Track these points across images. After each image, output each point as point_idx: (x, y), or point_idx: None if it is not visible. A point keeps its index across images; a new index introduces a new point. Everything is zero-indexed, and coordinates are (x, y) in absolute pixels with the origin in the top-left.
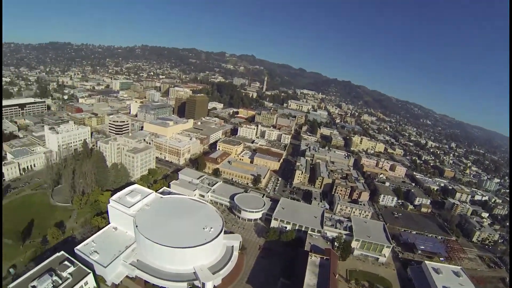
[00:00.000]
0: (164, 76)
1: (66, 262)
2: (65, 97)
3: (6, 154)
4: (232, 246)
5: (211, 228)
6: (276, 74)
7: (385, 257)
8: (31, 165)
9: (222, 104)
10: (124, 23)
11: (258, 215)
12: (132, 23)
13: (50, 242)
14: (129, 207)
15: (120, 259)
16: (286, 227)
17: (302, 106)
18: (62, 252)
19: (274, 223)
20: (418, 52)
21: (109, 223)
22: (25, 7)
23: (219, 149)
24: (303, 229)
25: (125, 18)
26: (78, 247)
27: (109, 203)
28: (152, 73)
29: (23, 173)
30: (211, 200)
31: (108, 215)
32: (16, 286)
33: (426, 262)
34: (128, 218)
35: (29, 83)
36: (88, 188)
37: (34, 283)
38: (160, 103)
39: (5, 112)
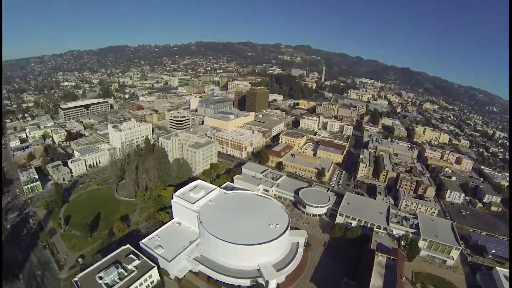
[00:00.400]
0: (221, 71)
1: (131, 256)
2: (126, 96)
3: (73, 152)
4: (297, 243)
5: (277, 224)
6: (333, 63)
7: (453, 259)
8: (96, 162)
9: (282, 96)
10: (177, 22)
11: (323, 210)
12: (185, 21)
13: (116, 234)
14: (193, 203)
15: (184, 254)
16: (351, 223)
17: (362, 96)
18: (128, 245)
19: (339, 219)
20: (483, 32)
21: (172, 218)
22: (85, 16)
23: (281, 142)
24: (368, 225)
25: (178, 17)
26: (143, 241)
27: (172, 198)
28: (209, 68)
29: (89, 169)
30: (275, 195)
31: (171, 210)
32: (84, 276)
33: (497, 268)
34: (192, 214)
35: (92, 85)
36: (151, 183)
37: (101, 274)
38: (220, 97)
39: (71, 113)
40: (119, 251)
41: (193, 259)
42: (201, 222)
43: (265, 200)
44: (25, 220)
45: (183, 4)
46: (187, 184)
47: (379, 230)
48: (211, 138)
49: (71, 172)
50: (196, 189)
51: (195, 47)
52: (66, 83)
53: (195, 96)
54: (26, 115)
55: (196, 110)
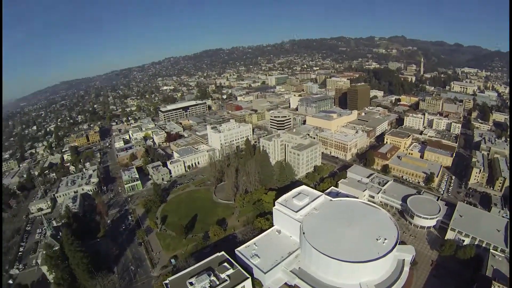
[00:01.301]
0: (317, 68)
1: (225, 264)
2: (224, 96)
3: (173, 153)
4: (403, 260)
5: (385, 239)
6: (430, 53)
7: None
8: (195, 163)
9: (381, 92)
10: (267, 23)
11: (432, 222)
12: (275, 21)
13: (211, 238)
14: (296, 211)
15: (281, 266)
16: (463, 241)
17: (466, 88)
18: (223, 252)
19: (450, 234)
20: None
21: (272, 225)
22: (179, 25)
23: (386, 142)
24: (483, 245)
25: (268, 19)
26: (239, 248)
27: (273, 204)
28: (305, 65)
29: (188, 170)
30: (380, 202)
31: (272, 216)
32: (175, 280)
33: None
34: (294, 223)
35: (190, 88)
36: (251, 186)
37: (192, 280)
38: (320, 95)
39: (171, 115)
40: (213, 258)
41: (290, 271)
42: (303, 233)
43: (373, 210)
44: (124, 217)
45: (271, 5)
46: (289, 188)
47: (496, 252)
48: (314, 138)
49: (170, 173)
50: (300, 196)
51: (288, 46)
52: (165, 87)
53: (294, 95)
54: (129, 118)
55: (296, 109)
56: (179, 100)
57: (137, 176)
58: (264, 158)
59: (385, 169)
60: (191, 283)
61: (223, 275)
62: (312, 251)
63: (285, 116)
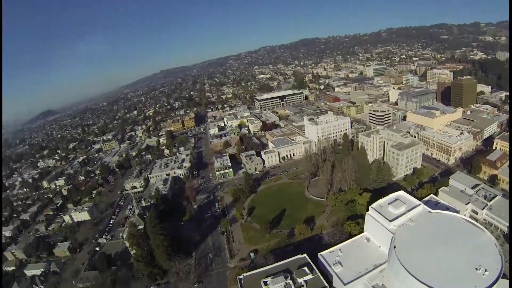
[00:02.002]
0: (417, 58)
1: (305, 268)
2: (321, 87)
3: (267, 142)
4: None
5: (486, 270)
6: None
7: None
8: (290, 154)
9: (489, 87)
10: (364, 11)
11: None
12: (372, 10)
13: (296, 237)
14: (390, 221)
15: (364, 279)
16: None
17: None
18: (305, 255)
19: None
20: None
21: (362, 231)
22: (276, 15)
23: (496, 147)
24: None
25: (365, 6)
26: (322, 252)
27: (366, 207)
28: (404, 56)
29: (282, 161)
30: (484, 220)
31: (363, 221)
32: (249, 277)
33: None
34: (386, 233)
35: (286, 77)
36: (345, 185)
37: (268, 280)
38: (421, 89)
39: (267, 104)
40: (293, 260)
41: (372, 286)
42: (394, 247)
43: (476, 230)
44: (212, 204)
45: None
46: (385, 190)
47: None
48: (415, 137)
49: (264, 163)
50: (396, 203)
51: (386, 34)
52: (261, 76)
53: (394, 88)
54: (225, 105)
55: (395, 103)
56: (275, 89)
57: (229, 164)
58: (362, 155)
59: (493, 180)
60: (265, 283)
61: (300, 280)
62: (401, 269)
63: (385, 111)
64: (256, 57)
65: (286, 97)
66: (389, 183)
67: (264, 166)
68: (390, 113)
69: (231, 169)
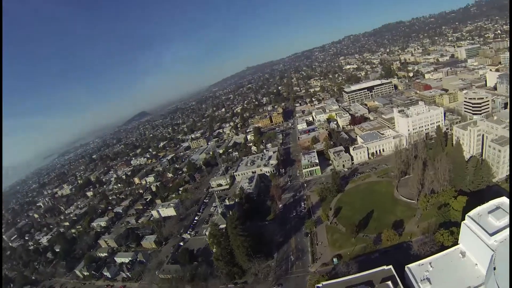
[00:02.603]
0: None
1: (389, 282)
2: (410, 74)
3: (356, 137)
4: None
5: None
6: None
7: None
8: (379, 150)
9: None
10: None
11: None
12: None
13: (382, 243)
14: (491, 235)
15: None
16: None
17: None
18: (391, 266)
19: None
20: None
21: (457, 242)
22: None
23: None
24: None
25: None
26: (410, 265)
27: (462, 214)
28: (498, 31)
29: (371, 158)
30: None
31: (458, 230)
32: (328, 286)
33: None
34: (485, 249)
35: (373, 66)
36: (438, 186)
37: None
38: None
39: (355, 95)
40: (378, 271)
41: None
42: (494, 268)
43: None
44: (297, 203)
45: None
46: (484, 193)
47: None
48: None
49: (352, 159)
50: (498, 212)
51: (475, 9)
52: (348, 66)
53: (491, 70)
54: (313, 99)
55: (494, 88)
56: (363, 79)
57: (317, 161)
58: (457, 151)
59: None
60: None
61: None
62: None
63: (482, 98)
64: (340, 47)
65: (375, 88)
66: (488, 185)
67: (352, 163)
68: (488, 100)
69: (318, 167)
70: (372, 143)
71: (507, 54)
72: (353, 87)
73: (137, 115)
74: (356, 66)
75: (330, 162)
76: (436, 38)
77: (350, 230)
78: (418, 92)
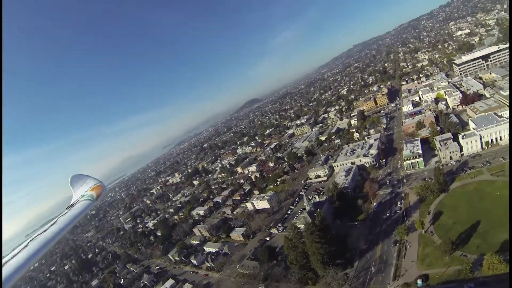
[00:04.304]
0: None
1: None
2: None
3: (468, 122)
4: None
5: None
6: None
7: None
8: (496, 138)
9: None
10: None
11: None
12: None
13: (483, 270)
14: None
15: None
16: None
17: None
18: None
19: None
20: None
21: None
22: None
23: None
24: None
25: None
26: None
27: None
28: None
29: (486, 148)
30: None
31: None
32: None
33: None
34: None
35: (489, 28)
36: None
37: None
38: None
39: (467, 68)
40: None
41: None
42: None
43: None
44: (393, 201)
45: None
46: None
47: None
48: None
49: (461, 150)
50: None
51: None
52: (459, 33)
53: None
54: (420, 75)
55: None
56: (476, 46)
57: (420, 151)
58: None
59: None
60: None
61: None
62: None
63: None
64: (450, 10)
65: (491, 56)
66: None
67: (462, 154)
68: None
69: (421, 159)
70: (487, 129)
71: None
72: (464, 58)
73: (248, 102)
74: (469, 31)
75: (436, 152)
76: None
77: (445, 246)
78: None
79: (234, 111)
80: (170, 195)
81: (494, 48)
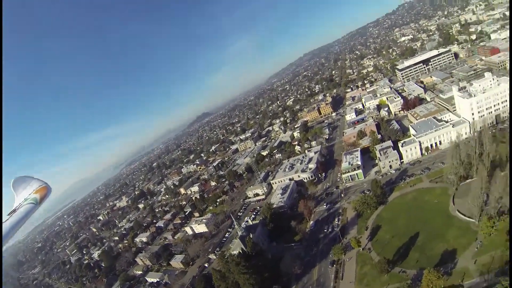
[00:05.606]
0: None
1: None
2: (473, 37)
3: (409, 127)
4: None
5: None
6: None
7: None
8: (436, 143)
9: None
10: None
11: None
12: None
13: (421, 286)
14: None
15: None
16: None
17: None
18: None
19: None
20: None
21: None
22: None
23: None
24: None
25: None
26: None
27: None
28: None
29: (426, 154)
30: None
31: None
32: None
33: None
34: None
35: (430, 33)
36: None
37: None
38: None
39: (409, 72)
40: None
41: None
42: None
43: None
44: (332, 218)
45: None
46: None
47: None
48: None
49: (401, 158)
50: None
51: None
52: (403, 38)
53: None
54: (365, 81)
55: None
56: (418, 51)
57: (359, 162)
58: None
59: None
60: None
61: None
62: None
63: None
64: (395, 18)
65: (431, 60)
66: None
67: (402, 162)
68: None
69: (360, 170)
70: (426, 135)
71: None
72: (407, 63)
73: (200, 116)
74: (412, 36)
75: (377, 162)
76: None
77: (381, 266)
78: (483, 58)
79: (185, 127)
80: (116, 221)
81: (435, 52)
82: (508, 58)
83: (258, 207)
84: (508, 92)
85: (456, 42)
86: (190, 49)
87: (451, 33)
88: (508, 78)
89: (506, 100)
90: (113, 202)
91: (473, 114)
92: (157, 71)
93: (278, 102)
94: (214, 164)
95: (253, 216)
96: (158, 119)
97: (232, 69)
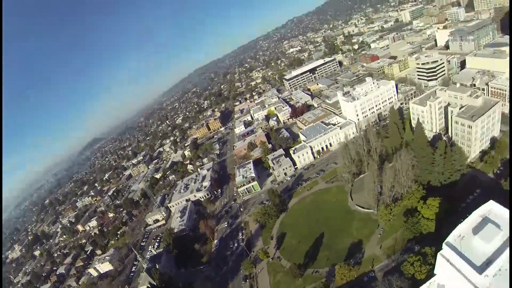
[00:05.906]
0: None
1: None
2: (355, 46)
3: (299, 134)
4: None
5: None
6: None
7: None
8: (326, 145)
9: None
10: None
11: None
12: None
13: (336, 281)
14: (481, 270)
15: None
16: None
17: None
18: None
19: None
20: None
21: (432, 273)
22: None
23: None
24: None
25: None
26: None
27: (437, 223)
28: None
29: (318, 157)
30: None
31: (433, 253)
32: None
33: None
34: None
35: (316, 44)
36: (401, 187)
37: None
38: (475, 22)
39: (297, 82)
40: None
41: None
42: None
43: None
44: (236, 233)
45: None
46: (458, 186)
47: None
48: (483, 91)
49: (294, 164)
50: (486, 230)
51: None
52: (291, 50)
53: (439, 28)
54: (253, 93)
55: (446, 47)
56: (306, 61)
57: (253, 174)
58: (419, 137)
59: None
60: None
61: None
62: None
63: (436, 61)
64: (284, 32)
65: (317, 69)
66: (463, 173)
67: (296, 168)
68: (443, 63)
69: (255, 182)
70: (316, 139)
71: (453, 9)
72: (294, 72)
73: (90, 143)
74: (300, 48)
75: (271, 171)
76: (379, 5)
77: (293, 271)
78: (364, 65)
79: (75, 156)
80: (11, 276)
81: (321, 61)
82: (388, 64)
83: (160, 233)
84: (385, 92)
85: (340, 52)
86: (84, 68)
87: (336, 44)
88: (389, 81)
89: (385, 100)
90: (4, 254)
91: (357, 115)
92: (39, 94)
93: (167, 121)
94: (109, 193)
95: (156, 244)
96: (43, 150)
97: (122, 91)
